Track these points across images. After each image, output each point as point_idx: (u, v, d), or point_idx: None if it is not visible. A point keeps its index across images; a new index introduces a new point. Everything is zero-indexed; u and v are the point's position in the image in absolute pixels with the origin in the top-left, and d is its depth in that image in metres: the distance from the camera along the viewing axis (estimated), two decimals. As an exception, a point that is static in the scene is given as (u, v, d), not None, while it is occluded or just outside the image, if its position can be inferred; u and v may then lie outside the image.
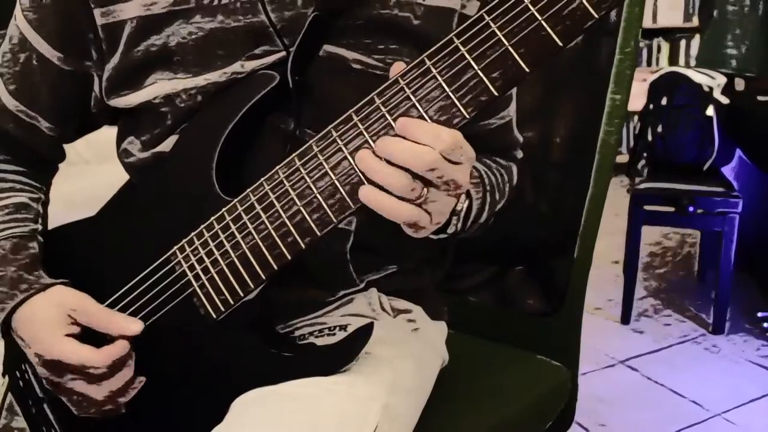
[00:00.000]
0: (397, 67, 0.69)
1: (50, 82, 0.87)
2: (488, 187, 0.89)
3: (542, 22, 0.63)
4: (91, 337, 0.81)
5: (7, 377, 0.91)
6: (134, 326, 0.80)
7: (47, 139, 0.91)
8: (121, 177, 0.93)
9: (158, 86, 0.81)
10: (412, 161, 0.66)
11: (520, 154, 1.04)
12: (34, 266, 0.85)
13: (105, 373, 0.79)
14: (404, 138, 0.67)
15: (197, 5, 0.79)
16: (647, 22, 4.42)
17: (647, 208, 2.59)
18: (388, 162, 0.67)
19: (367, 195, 0.68)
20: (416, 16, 0.82)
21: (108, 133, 0.95)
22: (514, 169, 1.01)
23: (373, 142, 0.69)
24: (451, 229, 0.81)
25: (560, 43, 0.63)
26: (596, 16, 0.62)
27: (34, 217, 0.90)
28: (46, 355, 0.80)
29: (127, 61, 0.82)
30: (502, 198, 0.95)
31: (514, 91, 0.97)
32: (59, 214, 0.96)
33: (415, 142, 0.66)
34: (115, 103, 0.86)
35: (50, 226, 0.94)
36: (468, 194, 0.83)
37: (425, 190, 0.68)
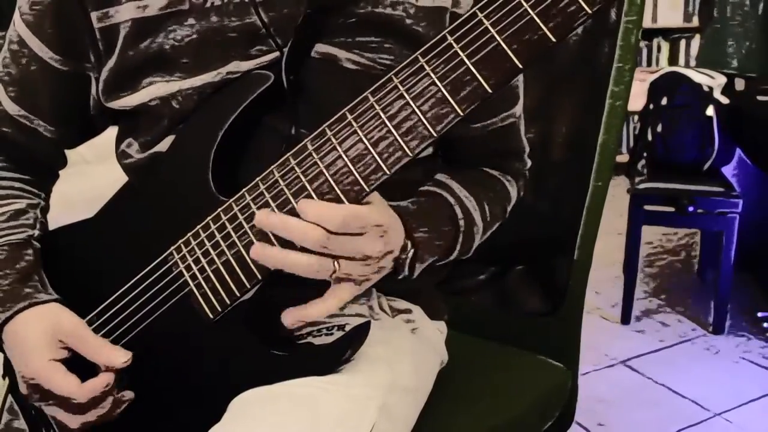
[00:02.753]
0: None
1: (50, 86, 0.87)
2: (462, 228, 0.88)
3: (535, 17, 0.62)
4: (79, 362, 0.80)
5: (7, 379, 0.91)
6: (121, 358, 0.80)
7: (48, 143, 0.92)
8: (121, 177, 0.93)
9: (154, 88, 0.81)
10: (300, 240, 0.69)
11: (527, 164, 1.02)
12: (28, 278, 0.85)
13: (84, 405, 0.79)
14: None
15: (191, 7, 0.80)
16: (647, 22, 4.42)
17: (647, 208, 2.59)
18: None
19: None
20: (409, 15, 0.81)
21: (108, 134, 0.95)
22: (512, 189, 0.99)
23: (368, 141, 0.68)
24: (401, 275, 0.81)
25: (553, 39, 0.62)
26: (589, 11, 0.61)
27: (31, 222, 0.90)
28: (28, 377, 0.80)
29: (123, 64, 0.82)
30: (489, 228, 0.94)
31: (520, 92, 0.96)
32: (59, 215, 0.96)
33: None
34: (113, 105, 0.86)
35: (50, 227, 0.94)
36: (414, 242, 0.81)
37: (336, 264, 0.70)
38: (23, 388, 0.83)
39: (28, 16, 0.84)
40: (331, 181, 0.70)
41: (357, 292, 0.75)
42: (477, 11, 0.64)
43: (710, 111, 2.61)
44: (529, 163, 1.02)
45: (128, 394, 0.82)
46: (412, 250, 0.81)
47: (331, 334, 0.87)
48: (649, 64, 4.55)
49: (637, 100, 2.64)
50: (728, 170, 2.82)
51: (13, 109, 0.89)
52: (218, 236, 0.76)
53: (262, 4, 0.79)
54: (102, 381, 0.79)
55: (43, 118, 0.89)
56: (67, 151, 0.97)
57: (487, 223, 0.93)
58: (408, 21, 0.81)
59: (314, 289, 0.89)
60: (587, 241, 1.16)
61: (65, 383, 0.79)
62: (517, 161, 1.01)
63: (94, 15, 0.82)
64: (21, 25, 0.85)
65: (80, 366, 0.80)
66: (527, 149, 1.01)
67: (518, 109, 0.97)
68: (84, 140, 0.96)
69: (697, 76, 2.67)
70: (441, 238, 0.86)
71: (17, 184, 0.93)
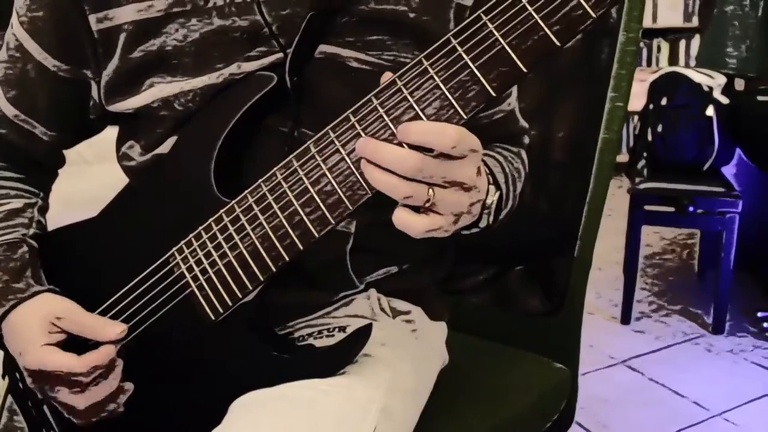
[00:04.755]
0: (386, 76, 0.67)
1: (48, 90, 0.87)
2: (510, 176, 0.88)
3: (540, 21, 0.62)
4: (78, 345, 0.80)
5: (7, 378, 0.91)
6: (117, 329, 0.79)
7: (45, 145, 0.91)
8: (122, 177, 0.93)
9: (156, 89, 0.81)
10: (395, 165, 0.64)
11: (527, 140, 1.03)
12: (21, 274, 0.85)
13: (87, 382, 0.79)
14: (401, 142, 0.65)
15: (192, 7, 0.79)
16: (647, 22, 4.42)
17: (647, 208, 2.59)
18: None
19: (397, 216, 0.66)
20: (412, 9, 0.81)
21: (109, 133, 0.95)
22: (524, 154, 0.99)
23: None
24: (483, 223, 0.78)
25: (558, 43, 0.62)
26: (594, 15, 0.61)
27: (27, 222, 0.90)
28: (30, 366, 0.80)
29: (124, 66, 0.82)
30: (520, 185, 0.93)
31: None
32: (59, 215, 0.96)
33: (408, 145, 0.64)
34: (115, 108, 0.85)
35: (50, 227, 0.94)
36: (498, 186, 0.81)
37: (431, 191, 0.65)
38: (29, 382, 0.83)
39: (25, 19, 0.84)
40: (334, 183, 0.70)
41: (445, 226, 0.68)
42: (481, 14, 0.64)
43: (710, 111, 2.62)
44: (528, 139, 1.03)
45: (128, 385, 0.82)
46: (498, 193, 0.79)
47: (333, 336, 0.88)
48: (649, 64, 4.55)
49: (637, 100, 2.64)
50: (728, 170, 2.82)
51: (10, 111, 0.89)
52: (220, 237, 0.76)
53: (265, 3, 0.79)
54: (101, 353, 0.78)
55: (40, 122, 0.89)
56: (67, 151, 0.97)
57: (521, 179, 0.92)
58: (411, 15, 0.81)
59: (319, 292, 0.89)
60: (587, 241, 1.17)
61: (60, 357, 0.78)
62: (521, 137, 1.02)
63: (92, 18, 0.81)
64: (18, 28, 0.85)
65: (77, 350, 0.80)
66: (526, 127, 1.01)
67: (513, 97, 0.97)
68: (81, 140, 0.96)
69: (697, 76, 2.68)
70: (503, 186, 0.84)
71: (14, 184, 0.93)
